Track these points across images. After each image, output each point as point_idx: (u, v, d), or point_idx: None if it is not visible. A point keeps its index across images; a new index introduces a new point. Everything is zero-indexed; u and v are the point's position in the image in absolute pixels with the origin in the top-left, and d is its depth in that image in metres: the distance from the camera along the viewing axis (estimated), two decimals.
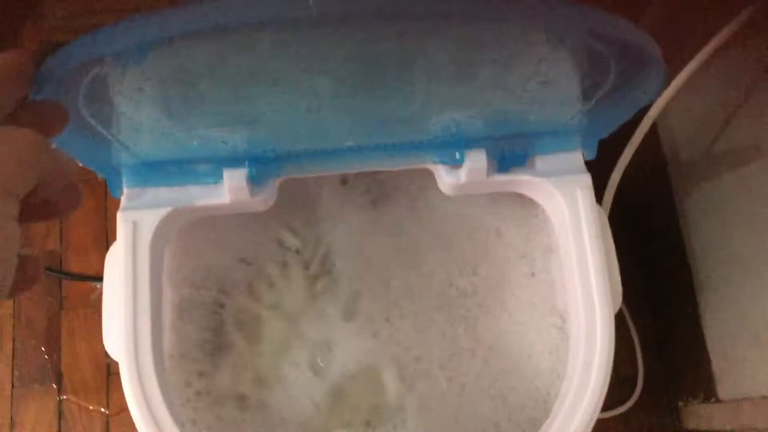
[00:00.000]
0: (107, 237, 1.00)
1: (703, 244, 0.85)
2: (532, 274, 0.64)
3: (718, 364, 0.83)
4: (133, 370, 0.50)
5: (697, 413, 0.87)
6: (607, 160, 0.69)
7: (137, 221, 0.53)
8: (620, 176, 0.65)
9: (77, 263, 1.00)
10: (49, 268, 0.98)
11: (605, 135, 0.53)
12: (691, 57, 0.64)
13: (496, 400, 0.62)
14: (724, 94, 0.79)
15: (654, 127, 0.91)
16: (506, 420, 0.60)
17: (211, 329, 0.64)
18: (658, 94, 0.47)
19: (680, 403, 0.91)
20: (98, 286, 0.98)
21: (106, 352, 0.94)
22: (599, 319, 0.52)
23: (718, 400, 0.82)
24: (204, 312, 0.64)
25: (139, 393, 0.49)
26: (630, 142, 0.64)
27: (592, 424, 0.50)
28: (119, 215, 0.53)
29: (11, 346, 0.96)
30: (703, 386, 0.85)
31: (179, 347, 0.61)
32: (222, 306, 0.65)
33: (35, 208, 0.28)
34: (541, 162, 0.55)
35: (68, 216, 0.28)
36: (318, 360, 0.64)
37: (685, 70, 0.64)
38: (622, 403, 0.91)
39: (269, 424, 0.61)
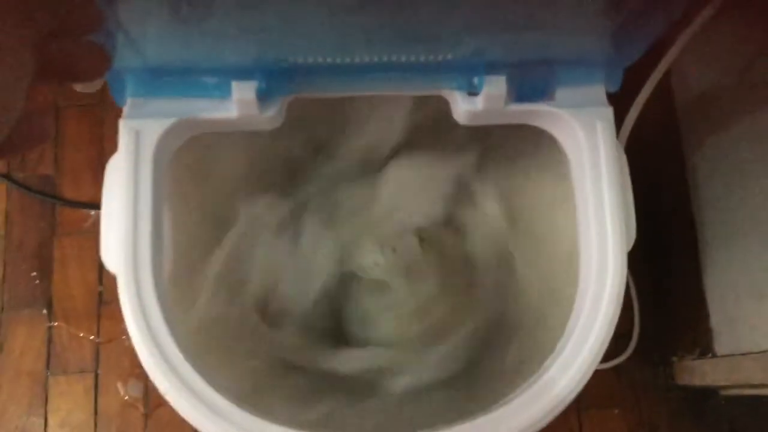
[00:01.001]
0: (103, 164, 0.98)
1: (711, 199, 0.84)
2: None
3: (717, 320, 0.82)
4: (131, 282, 0.48)
5: (690, 369, 0.87)
6: (621, 108, 0.67)
7: (140, 130, 0.51)
8: (637, 114, 0.63)
9: (71, 190, 0.98)
10: (42, 193, 0.96)
11: (631, 61, 0.51)
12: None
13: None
14: (739, 43, 0.77)
15: (668, 77, 0.89)
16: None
17: None
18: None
19: (674, 359, 0.90)
20: (92, 213, 0.96)
21: (98, 280, 0.94)
22: (611, 254, 0.51)
23: (714, 356, 0.82)
24: None
25: (137, 306, 0.48)
26: (647, 83, 0.62)
27: (599, 359, 0.50)
28: (121, 123, 0.51)
29: (2, 270, 0.94)
30: (700, 342, 0.85)
31: None
32: None
33: (55, 61, 0.26)
34: (562, 93, 0.53)
35: (88, 81, 0.26)
36: None
37: (702, 13, 0.61)
38: (615, 356, 0.90)
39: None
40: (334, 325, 0.74)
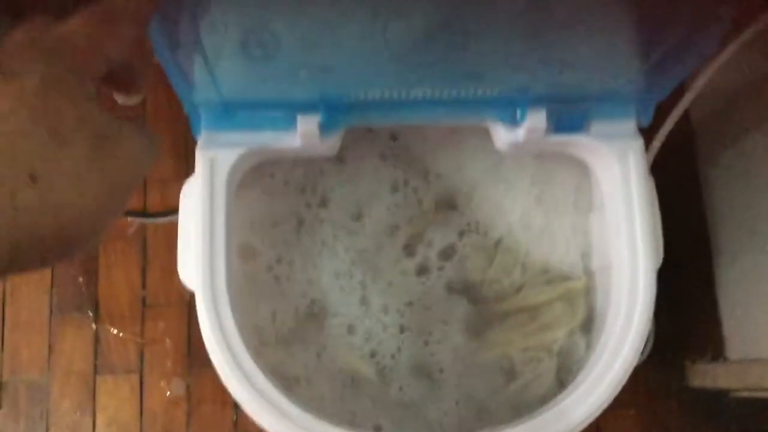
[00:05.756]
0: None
1: (724, 210, 0.89)
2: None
3: (728, 326, 0.87)
4: (209, 299, 0.53)
5: (703, 372, 0.92)
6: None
7: (214, 158, 0.56)
8: (660, 144, 0.68)
9: None
10: None
11: (662, 98, 0.56)
12: (731, 39, 0.66)
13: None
14: (756, 68, 0.82)
15: None
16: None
17: None
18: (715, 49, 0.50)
19: (687, 362, 0.96)
20: (131, 220, 1.01)
21: (141, 285, 0.99)
22: (642, 273, 0.56)
23: (726, 360, 0.87)
24: None
25: (215, 321, 0.53)
26: (669, 116, 0.67)
27: (629, 374, 0.55)
28: (198, 152, 0.56)
29: (50, 275, 0.99)
30: (712, 346, 0.90)
31: None
32: None
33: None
34: (597, 126, 0.58)
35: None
36: None
37: (725, 52, 0.66)
38: None
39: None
40: None
